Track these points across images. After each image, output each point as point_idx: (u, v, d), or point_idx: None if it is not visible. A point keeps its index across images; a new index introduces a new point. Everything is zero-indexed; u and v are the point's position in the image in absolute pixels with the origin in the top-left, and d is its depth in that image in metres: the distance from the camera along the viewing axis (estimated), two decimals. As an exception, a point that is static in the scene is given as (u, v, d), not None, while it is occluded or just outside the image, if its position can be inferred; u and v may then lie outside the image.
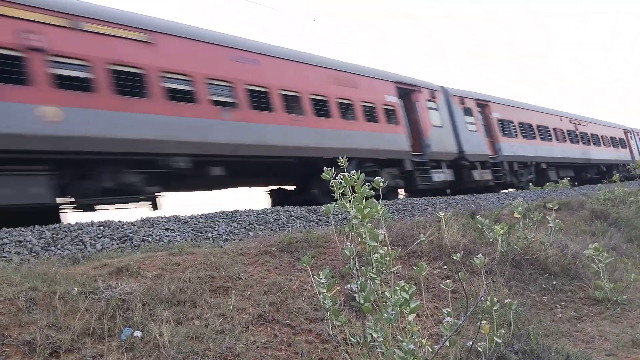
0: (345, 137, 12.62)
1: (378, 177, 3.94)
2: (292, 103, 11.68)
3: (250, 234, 7.73)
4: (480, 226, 6.54)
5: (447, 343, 3.20)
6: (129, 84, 8.86)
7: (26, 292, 3.84)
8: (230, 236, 7.48)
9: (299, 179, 13.16)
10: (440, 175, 15.95)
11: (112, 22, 8.96)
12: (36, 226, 6.49)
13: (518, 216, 7.16)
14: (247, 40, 11.59)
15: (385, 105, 14.46)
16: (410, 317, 3.25)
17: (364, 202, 3.59)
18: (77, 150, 7.97)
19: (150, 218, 7.50)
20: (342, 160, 3.74)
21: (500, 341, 3.39)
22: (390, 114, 14.56)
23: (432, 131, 16.02)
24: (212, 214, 8.47)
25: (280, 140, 11.08)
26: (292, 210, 9.36)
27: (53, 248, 5.95)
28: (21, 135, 7.38)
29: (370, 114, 13.74)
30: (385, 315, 3.21)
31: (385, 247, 3.56)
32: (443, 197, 13.25)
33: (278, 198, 13.85)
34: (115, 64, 8.74)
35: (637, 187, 16.91)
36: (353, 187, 3.59)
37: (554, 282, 6.17)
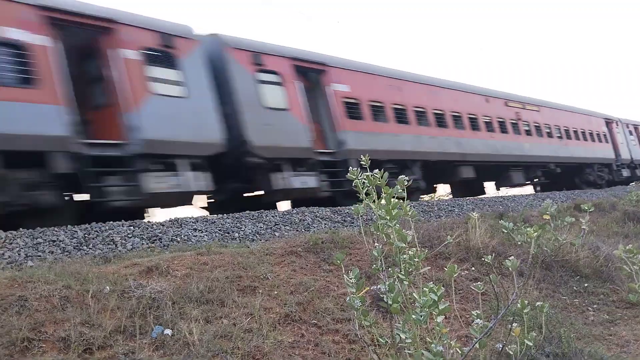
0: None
1: (402, 176, 3.87)
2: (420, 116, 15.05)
3: (276, 234, 7.78)
4: (505, 230, 6.43)
5: (477, 345, 3.15)
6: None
7: (60, 290, 3.94)
8: (256, 236, 7.55)
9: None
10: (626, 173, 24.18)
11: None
12: (69, 226, 6.66)
13: (547, 217, 7.01)
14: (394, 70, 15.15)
15: None
16: (439, 319, 3.22)
17: (392, 203, 3.56)
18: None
19: (178, 218, 7.61)
20: (364, 159, 3.70)
21: (531, 344, 3.33)
22: None
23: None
24: (238, 214, 8.54)
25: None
26: (317, 211, 9.38)
27: (85, 247, 6.10)
28: None
29: None
30: (413, 316, 3.19)
31: (414, 248, 3.53)
32: (469, 198, 13.09)
33: None
34: None
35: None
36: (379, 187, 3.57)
37: (586, 285, 6.03)
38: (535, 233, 5.98)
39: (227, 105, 10.31)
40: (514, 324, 3.39)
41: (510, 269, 3.97)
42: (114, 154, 8.39)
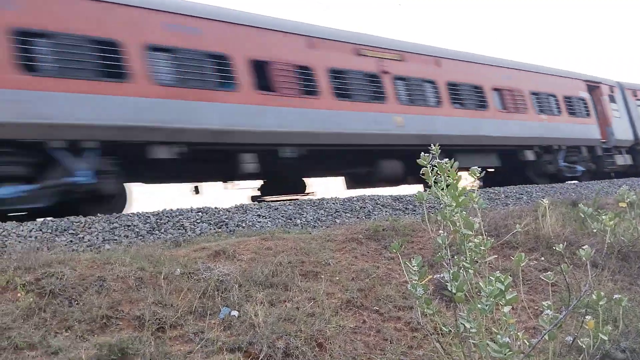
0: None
1: (474, 167, 3.82)
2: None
3: (337, 221, 7.83)
4: (582, 215, 6.09)
5: (546, 337, 3.04)
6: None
7: (135, 271, 4.19)
8: (317, 223, 7.63)
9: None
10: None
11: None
12: (142, 211, 7.04)
13: (624, 205, 6.58)
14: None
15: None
16: (506, 309, 3.13)
17: (459, 190, 3.49)
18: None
19: (243, 205, 7.84)
20: (434, 148, 3.64)
21: (606, 338, 3.17)
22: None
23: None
24: (300, 201, 8.67)
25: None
26: (378, 199, 9.33)
27: (157, 232, 6.43)
28: None
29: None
30: (479, 305, 3.12)
31: (480, 237, 3.45)
32: (540, 186, 12.53)
33: None
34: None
35: None
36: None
37: (668, 278, 5.62)
38: (612, 221, 5.67)
39: (629, 120, 19.10)
40: (588, 317, 3.23)
41: (583, 258, 3.79)
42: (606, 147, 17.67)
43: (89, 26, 8.10)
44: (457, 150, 12.30)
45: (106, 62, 8.13)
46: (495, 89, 14.54)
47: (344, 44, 11.55)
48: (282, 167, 10.77)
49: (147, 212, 6.97)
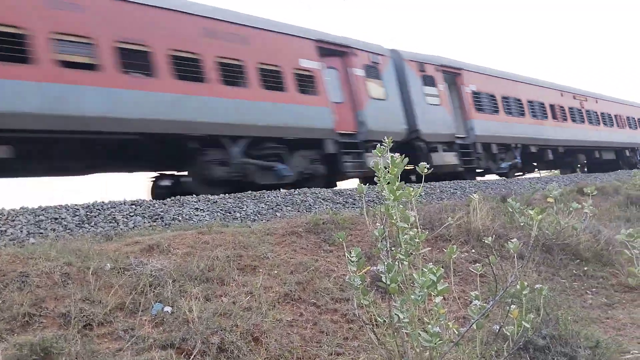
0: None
1: (423, 163, 3.94)
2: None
3: (278, 214, 7.80)
4: (511, 210, 6.41)
5: (474, 326, 3.17)
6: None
7: (61, 267, 3.97)
8: (257, 216, 7.57)
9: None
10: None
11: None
12: (70, 204, 6.69)
13: (551, 200, 6.99)
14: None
15: None
16: (437, 300, 3.23)
17: (397, 184, 3.56)
18: None
19: (180, 198, 7.63)
20: (387, 141, 3.69)
21: (528, 326, 3.34)
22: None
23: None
24: (240, 194, 8.55)
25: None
26: (319, 192, 9.38)
27: (87, 225, 6.13)
28: None
29: None
30: (412, 296, 3.20)
31: (415, 229, 3.53)
32: (473, 181, 13.05)
33: None
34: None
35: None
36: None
37: (585, 268, 6.03)
38: (539, 215, 5.98)
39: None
40: (512, 306, 3.40)
41: (511, 251, 3.98)
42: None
43: None
44: None
45: None
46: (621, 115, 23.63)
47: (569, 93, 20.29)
48: None
49: (76, 205, 6.63)
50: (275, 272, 4.63)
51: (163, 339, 3.31)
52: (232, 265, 4.55)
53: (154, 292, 3.84)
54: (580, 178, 16.55)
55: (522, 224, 6.42)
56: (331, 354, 3.56)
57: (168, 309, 3.67)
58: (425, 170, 3.80)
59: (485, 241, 4.08)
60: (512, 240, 4.08)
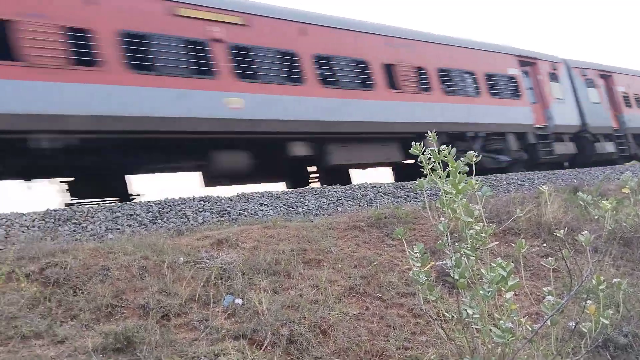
0: None
1: (470, 152, 3.81)
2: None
3: (339, 209, 7.84)
4: (582, 203, 6.10)
5: (548, 322, 3.06)
6: None
7: (139, 260, 4.22)
8: (319, 211, 7.65)
9: None
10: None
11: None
12: (144, 201, 7.05)
13: (627, 191, 6.58)
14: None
15: None
16: (508, 295, 3.15)
17: (458, 177, 3.48)
18: None
19: (245, 194, 7.85)
20: (431, 134, 3.64)
21: (607, 322, 3.19)
22: None
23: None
24: (302, 190, 8.67)
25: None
26: (380, 187, 9.34)
27: (160, 221, 6.45)
28: None
29: None
30: (481, 292, 3.13)
31: (481, 223, 3.45)
32: (542, 172, 12.51)
33: None
34: None
35: None
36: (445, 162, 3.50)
37: (669, 263, 5.64)
38: (610, 205, 5.66)
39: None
40: (589, 301, 3.25)
41: (583, 244, 3.80)
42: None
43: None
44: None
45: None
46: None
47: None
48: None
49: (149, 202, 6.98)
50: (340, 266, 4.67)
51: (235, 330, 3.44)
52: (297, 258, 4.64)
53: (224, 284, 3.99)
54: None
55: (596, 217, 6.10)
56: (399, 348, 3.55)
57: (239, 300, 3.81)
58: (474, 159, 3.66)
59: (557, 234, 3.92)
60: (584, 233, 3.90)
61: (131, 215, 6.52)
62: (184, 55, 8.90)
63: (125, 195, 9.64)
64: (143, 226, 6.30)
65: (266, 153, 10.16)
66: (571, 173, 12.86)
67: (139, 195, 9.95)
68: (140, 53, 8.39)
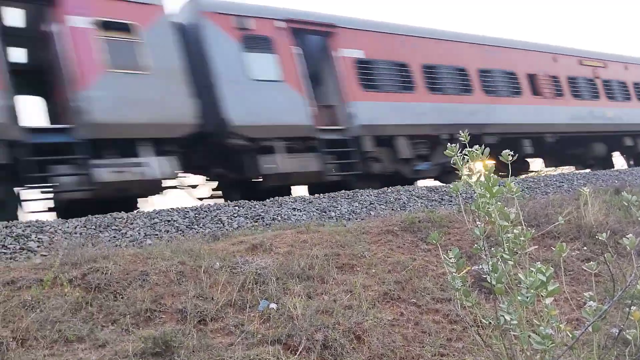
0: None
1: (506, 150, 3.73)
2: None
3: (372, 213, 7.81)
4: (626, 204, 5.88)
5: (590, 329, 2.97)
6: None
7: (176, 265, 4.31)
8: (352, 215, 7.64)
9: None
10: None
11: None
12: (181, 207, 7.21)
13: (673, 192, 6.30)
14: None
15: None
16: (548, 301, 3.06)
17: (492, 179, 3.42)
18: None
19: (278, 198, 7.93)
20: (464, 134, 3.56)
21: (654, 330, 3.06)
22: None
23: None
24: (334, 194, 8.69)
25: None
26: (413, 190, 9.26)
27: (196, 227, 6.58)
28: None
29: None
30: (519, 297, 3.07)
31: (519, 227, 3.38)
32: (581, 172, 12.15)
33: None
34: None
35: None
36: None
37: None
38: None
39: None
40: (634, 307, 3.13)
41: (628, 247, 3.66)
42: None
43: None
44: None
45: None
46: None
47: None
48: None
49: (186, 207, 7.14)
50: (373, 271, 4.65)
51: (270, 335, 3.47)
52: (331, 263, 4.65)
53: (259, 289, 4.04)
54: None
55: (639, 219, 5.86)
56: (435, 355, 3.51)
57: (273, 305, 3.85)
58: (510, 158, 3.57)
59: (600, 237, 3.79)
60: (628, 236, 3.76)
61: (168, 221, 6.68)
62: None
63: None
64: (180, 232, 6.44)
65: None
66: (612, 173, 12.43)
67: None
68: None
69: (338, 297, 4.04)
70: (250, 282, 4.08)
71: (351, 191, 8.94)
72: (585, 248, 5.43)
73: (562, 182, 10.70)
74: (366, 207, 8.19)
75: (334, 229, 5.81)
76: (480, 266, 4.48)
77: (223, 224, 6.68)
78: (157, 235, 6.28)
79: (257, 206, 7.31)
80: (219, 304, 3.80)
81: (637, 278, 3.75)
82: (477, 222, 3.57)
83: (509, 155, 3.83)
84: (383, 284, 4.40)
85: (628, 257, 5.03)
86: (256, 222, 6.85)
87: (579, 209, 6.01)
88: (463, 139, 3.54)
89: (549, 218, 5.67)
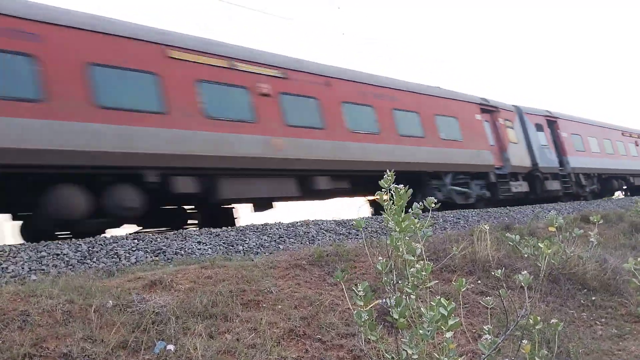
0: None
1: (430, 197, 3.98)
2: None
3: (281, 247, 7.73)
4: (511, 243, 6.36)
5: (485, 361, 3.10)
6: None
7: (63, 304, 3.91)
8: (260, 249, 7.50)
9: None
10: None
11: None
12: (73, 239, 6.64)
13: (553, 229, 6.93)
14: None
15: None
16: (448, 335, 3.16)
17: (402, 215, 3.54)
18: None
19: (182, 231, 7.59)
20: (390, 174, 3.67)
21: (541, 361, 3.27)
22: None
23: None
24: (242, 227, 8.51)
25: None
26: (322, 224, 9.34)
27: (89, 261, 6.07)
28: None
29: None
30: (421, 331, 3.14)
31: (421, 262, 3.49)
32: (476, 210, 13.02)
33: None
34: None
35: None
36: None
37: (593, 298, 5.94)
38: (550, 250, 5.91)
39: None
40: (524, 341, 3.33)
41: (522, 284, 3.92)
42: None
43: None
44: None
45: None
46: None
47: None
48: None
49: (78, 240, 6.59)
50: (280, 307, 4.55)
51: (166, 379, 3.23)
52: (236, 300, 4.48)
53: (156, 329, 3.77)
54: (583, 206, 16.50)
55: (525, 255, 6.36)
56: (339, 392, 3.46)
57: (171, 347, 3.60)
58: (433, 205, 3.79)
59: (496, 274, 4.03)
60: (523, 273, 4.03)
61: (58, 255, 6.11)
62: None
63: None
64: (70, 267, 5.91)
65: None
66: (502, 212, 13.45)
67: None
68: None
69: (242, 336, 3.87)
70: (146, 322, 3.79)
71: (261, 224, 8.82)
72: (479, 282, 5.74)
73: (459, 219, 11.37)
74: (275, 240, 8.09)
75: (241, 263, 5.64)
76: (384, 300, 4.56)
77: (120, 258, 6.23)
78: (43, 270, 5.70)
79: (158, 239, 6.94)
80: (110, 347, 3.48)
81: (528, 312, 4.00)
82: (379, 257, 3.65)
83: (432, 202, 4.02)
84: (289, 320, 4.30)
85: (517, 290, 5.41)
86: (157, 256, 6.47)
87: (473, 244, 6.38)
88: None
89: (447, 252, 5.94)
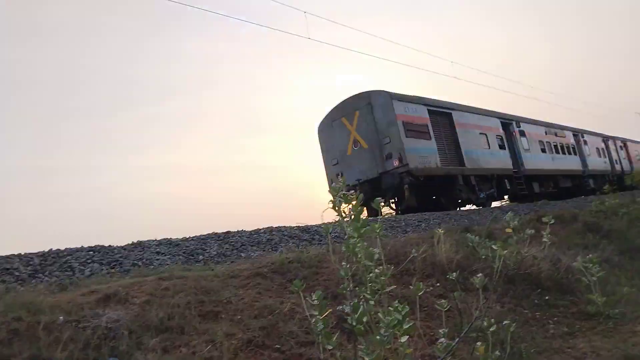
0: None
1: (378, 198, 4.00)
2: None
3: (243, 255, 7.65)
4: (470, 244, 6.50)
5: (440, 365, 3.14)
6: None
7: (9, 322, 3.74)
8: (222, 258, 7.40)
9: None
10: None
11: None
12: (23, 252, 6.39)
13: (509, 231, 7.12)
14: None
15: None
16: (403, 339, 3.20)
17: (360, 221, 3.57)
18: None
19: (141, 242, 7.41)
20: (342, 180, 3.69)
21: (494, 362, 3.34)
22: None
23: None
24: (203, 235, 8.39)
25: None
26: (285, 230, 9.30)
27: (41, 275, 5.84)
28: None
29: None
30: (377, 337, 3.16)
31: (381, 267, 3.52)
32: (437, 213, 13.25)
33: None
34: None
35: (629, 198, 16.98)
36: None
37: (547, 298, 6.12)
38: (505, 251, 6.06)
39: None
40: (478, 343, 3.39)
41: (477, 286, 4.00)
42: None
43: None
44: None
45: None
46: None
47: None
48: None
49: (30, 253, 6.33)
50: (239, 317, 4.49)
51: (118, 397, 3.13)
52: (193, 312, 4.39)
53: (109, 345, 3.65)
54: (539, 206, 17.03)
55: (483, 257, 6.50)
56: (297, 402, 3.44)
57: (124, 363, 3.49)
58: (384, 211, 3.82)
59: (450, 277, 4.10)
60: (478, 275, 4.12)
61: (7, 269, 5.85)
62: None
63: None
64: (21, 282, 5.66)
65: None
66: (463, 214, 13.75)
67: None
68: None
69: (198, 349, 3.80)
70: (98, 338, 3.67)
71: (222, 233, 8.71)
72: (438, 284, 5.83)
73: (421, 222, 11.55)
74: (237, 248, 8.01)
75: (201, 273, 5.55)
76: (343, 307, 4.57)
77: (74, 271, 6.01)
78: (-10, 286, 5.45)
79: (115, 250, 6.75)
80: (59, 366, 3.35)
81: (482, 314, 4.09)
82: (343, 263, 3.66)
83: (380, 202, 4.05)
84: (248, 330, 4.25)
85: (475, 292, 5.51)
86: (113, 268, 6.29)
87: (433, 247, 6.48)
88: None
89: (407, 256, 6.00)
